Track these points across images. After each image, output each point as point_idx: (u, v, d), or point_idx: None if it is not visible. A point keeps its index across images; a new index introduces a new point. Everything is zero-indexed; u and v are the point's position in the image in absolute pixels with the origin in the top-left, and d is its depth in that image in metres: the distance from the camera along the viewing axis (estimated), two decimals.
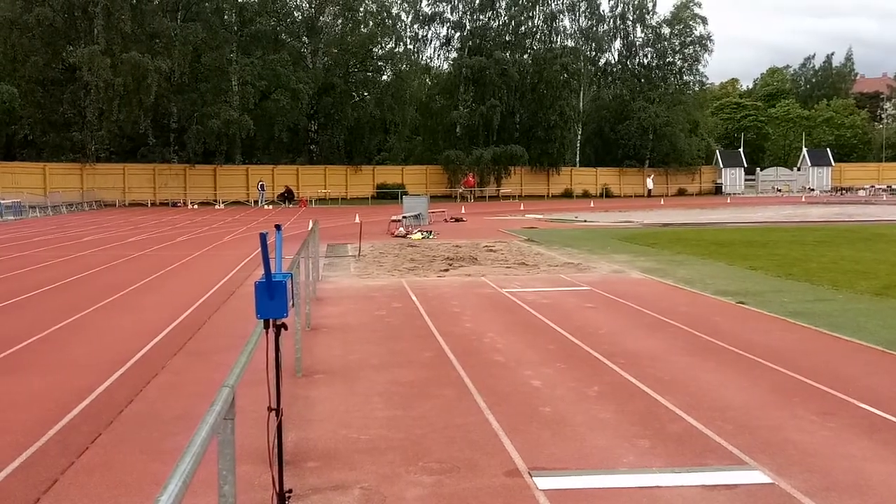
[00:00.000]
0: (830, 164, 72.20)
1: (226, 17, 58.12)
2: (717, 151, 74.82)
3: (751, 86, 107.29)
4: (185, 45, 53.04)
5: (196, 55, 54.75)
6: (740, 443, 5.49)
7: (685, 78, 73.47)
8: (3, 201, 39.79)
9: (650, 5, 71.64)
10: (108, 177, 53.45)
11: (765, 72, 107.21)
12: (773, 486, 4.76)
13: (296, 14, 63.62)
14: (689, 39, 71.84)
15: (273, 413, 3.97)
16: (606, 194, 66.64)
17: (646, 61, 72.55)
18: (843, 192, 66.90)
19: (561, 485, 4.82)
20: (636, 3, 71.25)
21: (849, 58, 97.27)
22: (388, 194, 57.31)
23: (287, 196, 54.09)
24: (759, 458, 5.19)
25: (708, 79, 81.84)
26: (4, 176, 47.32)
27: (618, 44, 72.72)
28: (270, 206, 50.53)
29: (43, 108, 52.68)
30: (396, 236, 24.92)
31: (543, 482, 4.83)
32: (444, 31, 67.36)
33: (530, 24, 67.45)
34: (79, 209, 46.74)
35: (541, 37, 68.01)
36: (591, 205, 50.64)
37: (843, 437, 5.63)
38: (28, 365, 8.04)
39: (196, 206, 50.66)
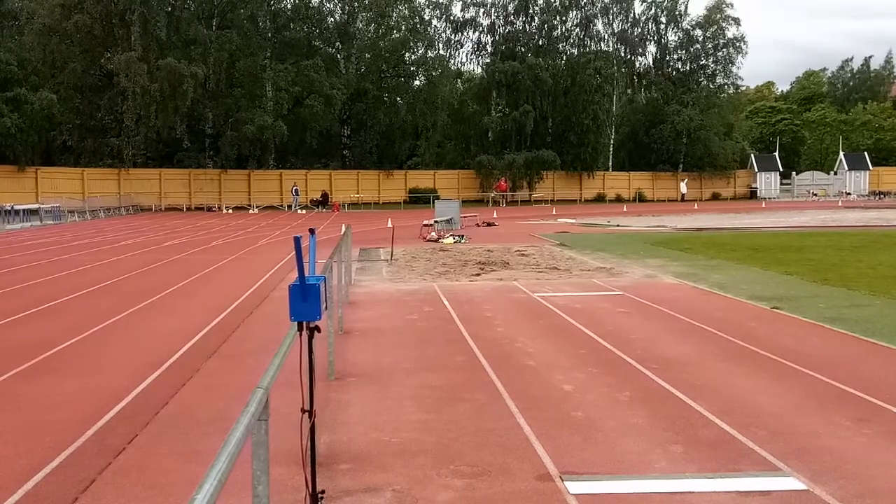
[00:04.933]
0: (868, 168, 71.19)
1: (260, 24, 58.67)
2: (752, 155, 74.00)
3: (787, 89, 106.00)
4: (220, 52, 53.71)
5: (231, 62, 55.43)
6: (774, 449, 5.43)
7: (719, 81, 72.88)
8: (42, 206, 40.53)
9: (682, 7, 71.26)
10: (145, 182, 54.27)
11: (801, 75, 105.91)
12: (808, 492, 4.71)
13: (329, 20, 64.02)
14: (721, 41, 71.25)
15: (306, 415, 4.01)
16: (640, 199, 66.23)
17: (679, 64, 72.09)
18: (881, 196, 65.81)
19: (592, 489, 4.80)
20: (668, 5, 70.83)
21: (888, 60, 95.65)
22: (421, 199, 57.46)
23: (322, 201, 54.47)
24: (793, 465, 5.13)
25: (743, 80, 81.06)
26: (44, 181, 48.23)
27: (651, 47, 72.42)
28: (304, 211, 50.88)
29: (81, 114, 53.58)
30: (428, 241, 24.97)
31: (575, 487, 4.82)
32: (476, 36, 67.53)
33: (563, 28, 67.36)
34: (116, 213, 47.44)
35: (574, 41, 67.86)
36: (624, 209, 50.35)
37: (879, 444, 5.56)
38: (67, 367, 8.19)
39: (231, 211, 51.18)
